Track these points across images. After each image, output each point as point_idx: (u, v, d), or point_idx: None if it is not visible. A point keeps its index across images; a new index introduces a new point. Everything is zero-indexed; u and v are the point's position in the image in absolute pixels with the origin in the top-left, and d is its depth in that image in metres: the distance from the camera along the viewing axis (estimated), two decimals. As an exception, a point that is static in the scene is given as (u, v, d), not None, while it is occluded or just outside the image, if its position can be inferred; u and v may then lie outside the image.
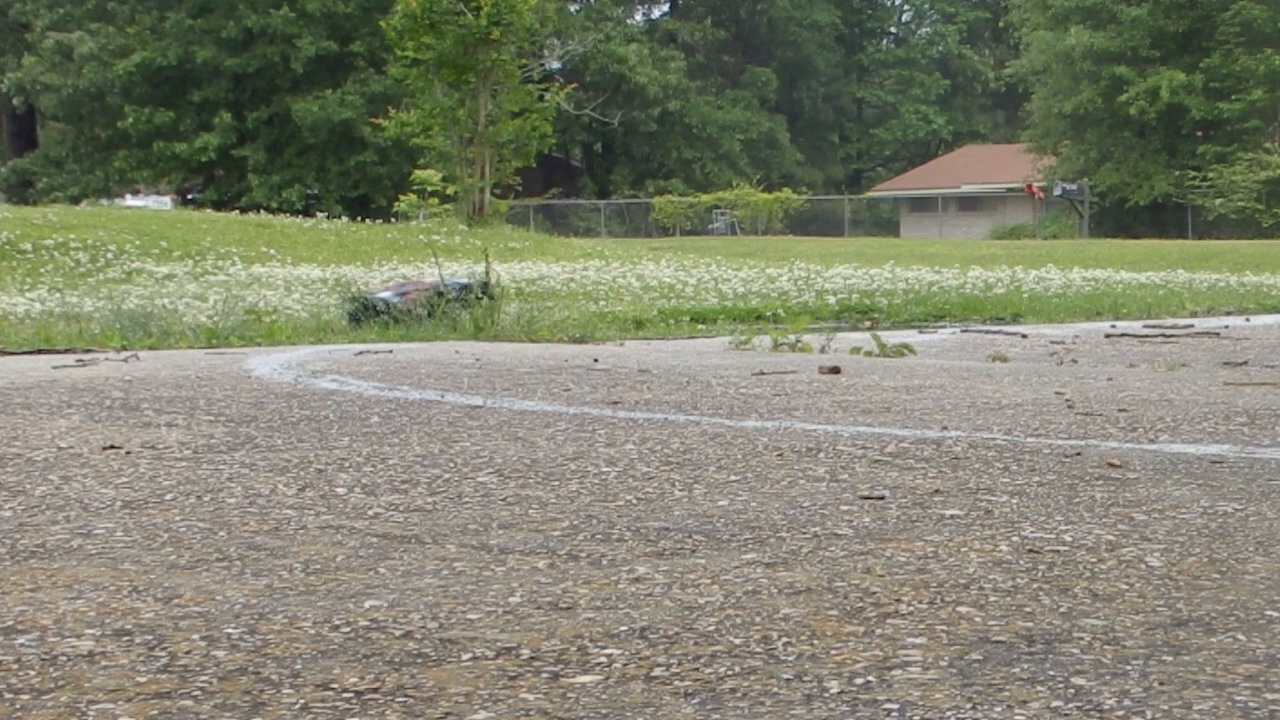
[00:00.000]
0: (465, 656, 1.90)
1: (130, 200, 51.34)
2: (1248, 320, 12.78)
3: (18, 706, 1.70)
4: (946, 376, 5.96)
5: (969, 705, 1.70)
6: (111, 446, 3.75)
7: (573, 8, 62.44)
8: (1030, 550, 2.55)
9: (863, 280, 17.36)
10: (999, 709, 1.69)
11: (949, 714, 1.67)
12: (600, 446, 3.77)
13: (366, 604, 2.17)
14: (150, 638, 1.99)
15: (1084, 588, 2.28)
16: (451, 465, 3.47)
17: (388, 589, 2.27)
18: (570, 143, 62.57)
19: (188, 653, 1.92)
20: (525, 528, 2.74)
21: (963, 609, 2.15)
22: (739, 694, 1.75)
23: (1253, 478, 3.32)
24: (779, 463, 3.52)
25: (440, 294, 10.53)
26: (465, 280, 11.16)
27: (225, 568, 2.41)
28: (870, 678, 1.81)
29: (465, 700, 1.73)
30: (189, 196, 53.41)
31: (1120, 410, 4.62)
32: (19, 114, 55.82)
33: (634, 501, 3.02)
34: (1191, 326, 11.42)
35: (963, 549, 2.56)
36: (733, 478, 3.31)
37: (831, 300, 14.17)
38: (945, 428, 4.17)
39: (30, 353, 7.46)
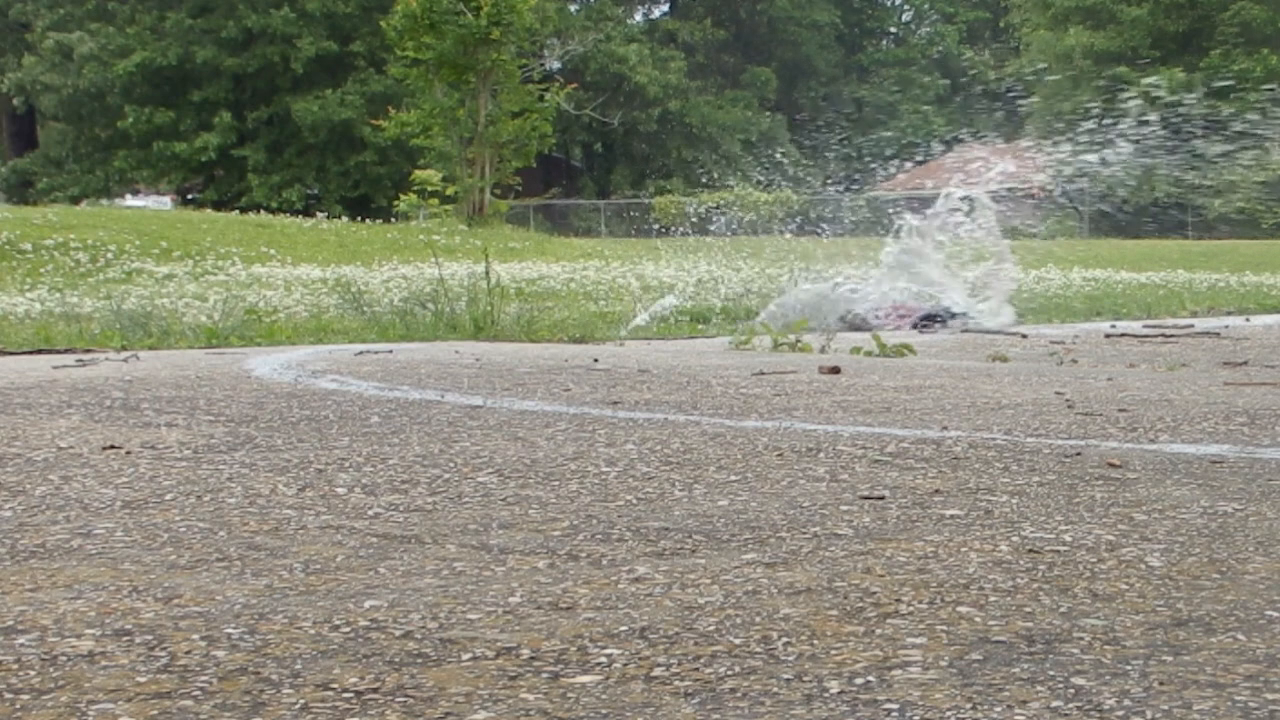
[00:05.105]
0: (465, 656, 1.90)
1: (130, 200, 51.38)
2: (1248, 320, 12.77)
3: (18, 706, 1.70)
4: (946, 376, 5.96)
5: (969, 705, 1.70)
6: (111, 446, 3.75)
7: (573, 8, 62.44)
8: (1030, 550, 2.55)
9: (863, 280, 17.33)
10: (999, 709, 1.69)
11: (949, 714, 1.67)
12: (600, 446, 3.77)
13: (366, 604, 2.17)
14: (150, 638, 1.99)
15: (1084, 588, 2.28)
16: (451, 465, 3.47)
17: (388, 589, 2.26)
18: (570, 143, 62.54)
19: (188, 653, 1.92)
20: (525, 528, 2.74)
21: (963, 609, 2.15)
22: (739, 694, 1.75)
23: (1253, 478, 3.31)
24: (779, 463, 3.52)
25: (931, 319, 10.58)
26: (955, 309, 11.02)
27: (225, 568, 2.41)
28: (870, 678, 1.81)
29: (465, 700, 1.73)
30: (189, 196, 53.42)
31: (1120, 410, 4.62)
32: (19, 114, 55.88)
33: (634, 501, 3.02)
34: (1191, 326, 11.41)
35: (963, 549, 2.56)
36: (733, 478, 3.31)
37: (831, 300, 14.14)
38: (945, 428, 4.17)
39: (30, 353, 7.45)
